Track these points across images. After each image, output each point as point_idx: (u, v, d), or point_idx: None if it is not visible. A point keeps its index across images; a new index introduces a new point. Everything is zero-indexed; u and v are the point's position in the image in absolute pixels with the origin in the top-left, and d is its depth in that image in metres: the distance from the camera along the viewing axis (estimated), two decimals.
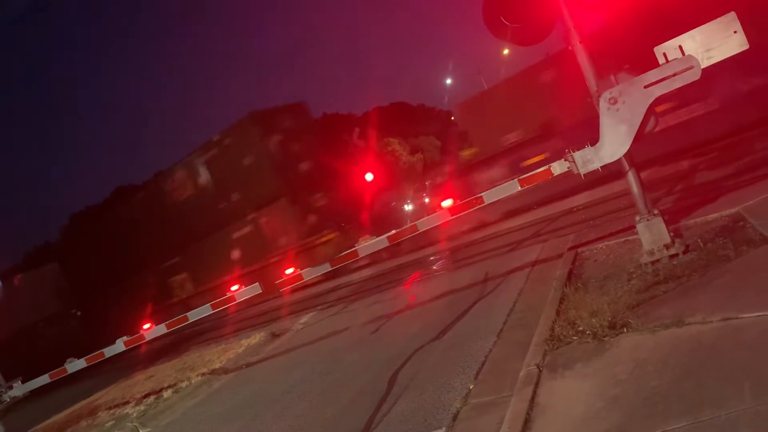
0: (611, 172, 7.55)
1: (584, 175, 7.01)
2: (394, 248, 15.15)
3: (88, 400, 15.38)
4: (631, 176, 7.25)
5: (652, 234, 7.09)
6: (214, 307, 10.40)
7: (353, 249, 9.33)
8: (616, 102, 6.61)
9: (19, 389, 11.08)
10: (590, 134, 6.96)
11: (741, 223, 7.25)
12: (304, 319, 14.64)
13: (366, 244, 9.30)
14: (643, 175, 7.50)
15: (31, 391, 11.51)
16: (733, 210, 7.82)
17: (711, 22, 6.43)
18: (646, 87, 6.48)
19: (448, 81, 54.29)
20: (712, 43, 6.43)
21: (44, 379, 11.27)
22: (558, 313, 6.69)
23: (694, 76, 6.32)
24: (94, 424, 11.98)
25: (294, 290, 18.51)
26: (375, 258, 17.81)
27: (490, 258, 12.24)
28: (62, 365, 11.31)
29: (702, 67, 6.33)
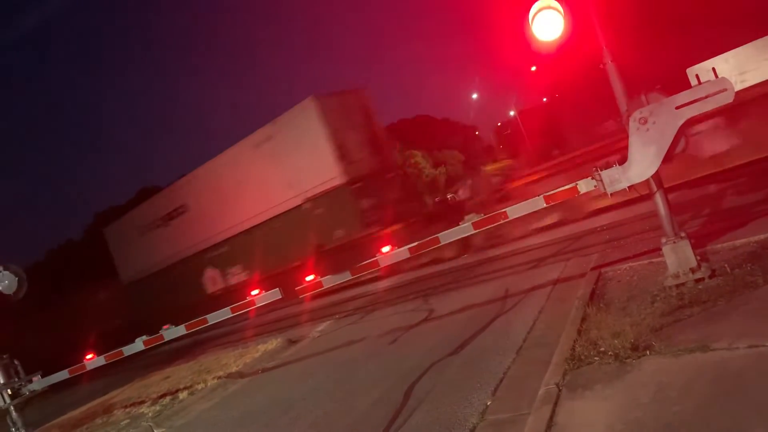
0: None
1: (611, 194, 6.95)
2: (414, 260, 15.09)
3: (104, 397, 15.53)
4: (658, 197, 7.17)
5: (678, 257, 7.00)
6: (233, 310, 10.44)
7: (374, 259, 9.32)
8: (646, 122, 6.55)
9: (38, 383, 11.20)
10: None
11: None
12: (322, 327, 14.64)
13: (391, 253, 9.27)
14: (670, 196, 7.42)
15: (50, 386, 11.63)
16: (762, 236, 7.68)
17: (746, 45, 6.38)
18: (677, 108, 6.42)
19: (474, 96, 54.28)
20: (747, 66, 6.37)
21: (63, 375, 11.39)
22: (579, 332, 6.61)
23: (726, 99, 6.23)
24: (110, 422, 12.08)
25: (313, 297, 18.57)
26: (393, 269, 17.77)
27: (511, 274, 12.15)
28: (81, 362, 11.43)
29: (735, 90, 6.25)
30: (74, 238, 61.63)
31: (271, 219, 23.74)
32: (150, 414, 11.31)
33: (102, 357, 11.21)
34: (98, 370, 12.14)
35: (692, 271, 6.91)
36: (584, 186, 7.15)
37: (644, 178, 6.78)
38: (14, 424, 10.72)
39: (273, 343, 14.05)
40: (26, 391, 11.09)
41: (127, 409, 12.59)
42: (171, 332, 10.86)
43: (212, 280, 27.19)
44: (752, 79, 6.44)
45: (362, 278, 14.23)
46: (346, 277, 9.56)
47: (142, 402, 12.69)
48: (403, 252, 8.90)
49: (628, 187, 6.81)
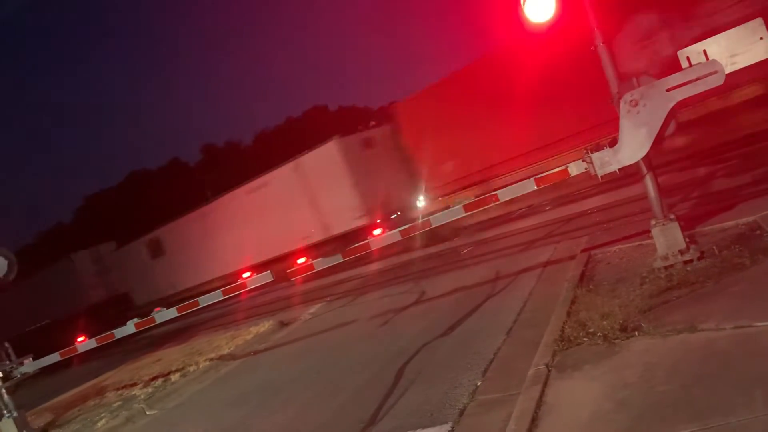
0: (627, 174, 7.51)
1: (601, 176, 6.97)
2: (406, 243, 15.11)
3: (96, 380, 15.56)
4: (648, 180, 7.20)
5: (667, 239, 7.05)
6: (225, 293, 10.44)
7: (365, 242, 9.34)
8: (637, 104, 6.55)
9: (29, 366, 11.17)
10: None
11: (758, 232, 7.18)
12: (313, 309, 14.70)
13: (381, 236, 9.30)
14: (660, 179, 7.45)
15: (41, 369, 11.62)
16: (750, 219, 7.75)
17: (737, 28, 6.37)
18: (668, 90, 6.42)
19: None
20: (738, 48, 6.37)
21: (55, 357, 11.37)
22: (569, 314, 6.67)
23: (717, 81, 6.24)
24: (102, 404, 12.11)
25: (304, 280, 18.60)
26: (384, 252, 17.79)
27: (502, 257, 12.21)
28: (72, 344, 11.42)
29: (726, 72, 6.26)
30: (64, 221, 61.39)
31: None
32: (142, 396, 11.34)
33: (93, 339, 11.20)
34: (89, 353, 12.16)
35: (681, 253, 6.95)
36: (575, 168, 7.17)
37: (634, 161, 6.80)
38: (6, 406, 10.71)
39: (265, 326, 14.10)
40: (18, 373, 11.08)
41: (120, 392, 12.63)
42: (162, 315, 10.86)
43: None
44: (743, 61, 6.44)
45: (354, 261, 14.26)
46: (337, 259, 9.59)
47: (134, 384, 12.73)
48: (395, 234, 8.92)
49: (618, 169, 6.84)
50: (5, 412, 10.70)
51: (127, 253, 28.05)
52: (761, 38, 6.29)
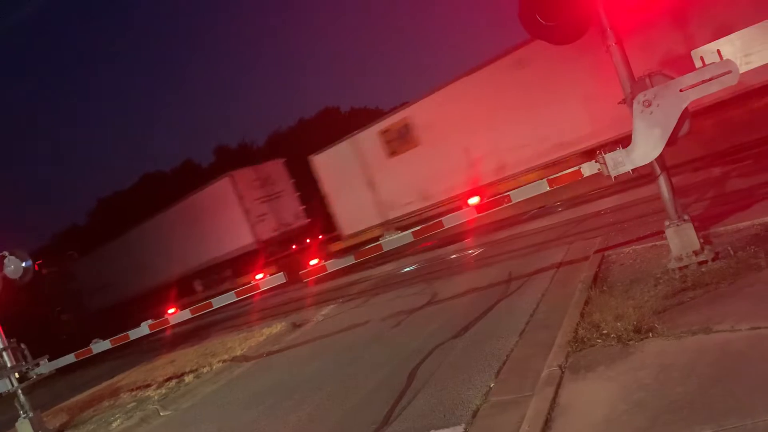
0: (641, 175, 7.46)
1: (615, 177, 6.93)
2: (417, 244, 15.12)
3: (110, 381, 15.67)
4: (662, 180, 7.16)
5: (681, 240, 7.00)
6: (238, 294, 10.49)
7: (377, 243, 9.35)
8: (650, 104, 6.52)
9: (45, 367, 11.30)
10: None
11: None
12: (325, 310, 14.72)
13: (390, 238, 9.30)
14: (674, 179, 7.40)
15: (57, 370, 11.74)
16: (765, 219, 7.68)
17: (752, 27, 6.31)
18: (681, 90, 6.38)
19: None
20: (752, 47, 6.31)
21: (70, 359, 11.48)
22: (582, 315, 6.64)
23: (731, 80, 6.19)
24: (116, 404, 12.20)
25: (316, 281, 18.65)
26: (397, 254, 17.79)
27: (515, 258, 12.17)
28: (87, 345, 11.52)
29: (740, 72, 6.21)
30: (78, 223, 61.91)
31: None
32: (156, 397, 11.42)
33: (108, 341, 11.29)
34: (104, 354, 12.26)
35: (695, 253, 6.91)
36: (588, 169, 7.14)
37: (648, 161, 6.76)
38: (22, 407, 10.83)
39: (277, 327, 14.14)
40: (33, 374, 11.20)
41: (134, 392, 12.71)
42: (176, 317, 10.94)
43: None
44: (757, 60, 6.38)
45: (366, 263, 14.27)
46: (350, 261, 9.61)
47: (149, 385, 12.81)
48: (407, 236, 8.92)
49: (632, 170, 6.80)
50: (21, 412, 10.83)
51: None
52: None
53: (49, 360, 11.40)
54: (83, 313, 31.19)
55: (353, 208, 21.01)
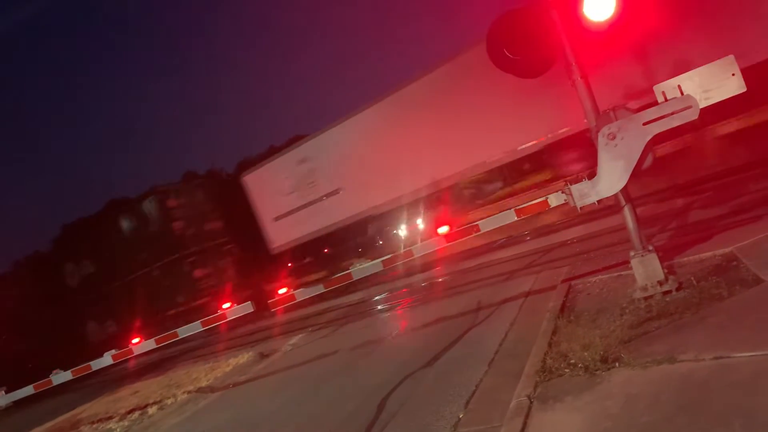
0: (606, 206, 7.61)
1: (580, 208, 7.06)
2: (387, 273, 15.12)
3: (71, 413, 15.17)
4: (627, 211, 7.30)
5: (646, 270, 7.12)
6: (204, 324, 10.33)
7: (347, 272, 9.34)
8: (614, 137, 6.68)
9: (2, 399, 10.94)
10: None
11: (734, 263, 7.29)
12: (294, 340, 14.56)
13: (360, 267, 9.30)
14: (638, 210, 7.56)
15: (14, 402, 11.36)
16: (726, 249, 7.87)
17: (710, 64, 6.53)
18: (644, 124, 6.56)
19: None
20: (711, 84, 6.53)
21: (28, 390, 11.14)
22: (550, 345, 6.68)
23: (692, 115, 6.40)
24: None
25: (286, 310, 18.46)
26: (366, 282, 17.73)
27: (483, 287, 12.24)
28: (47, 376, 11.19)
29: (700, 107, 6.42)
30: (42, 250, 60.38)
31: None
32: (118, 430, 11.09)
33: (69, 371, 10.98)
34: (65, 385, 11.90)
35: (660, 284, 7.03)
36: (554, 200, 7.27)
37: (613, 193, 6.90)
38: None
39: (244, 357, 13.92)
40: None
41: (95, 425, 12.32)
42: (141, 346, 10.71)
43: None
44: (716, 96, 6.60)
45: (335, 291, 14.18)
46: (319, 290, 9.56)
47: (111, 417, 12.44)
48: (377, 265, 8.93)
49: (597, 201, 6.94)
50: None
51: None
52: (733, 74, 6.46)
53: (6, 392, 11.03)
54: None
55: None
